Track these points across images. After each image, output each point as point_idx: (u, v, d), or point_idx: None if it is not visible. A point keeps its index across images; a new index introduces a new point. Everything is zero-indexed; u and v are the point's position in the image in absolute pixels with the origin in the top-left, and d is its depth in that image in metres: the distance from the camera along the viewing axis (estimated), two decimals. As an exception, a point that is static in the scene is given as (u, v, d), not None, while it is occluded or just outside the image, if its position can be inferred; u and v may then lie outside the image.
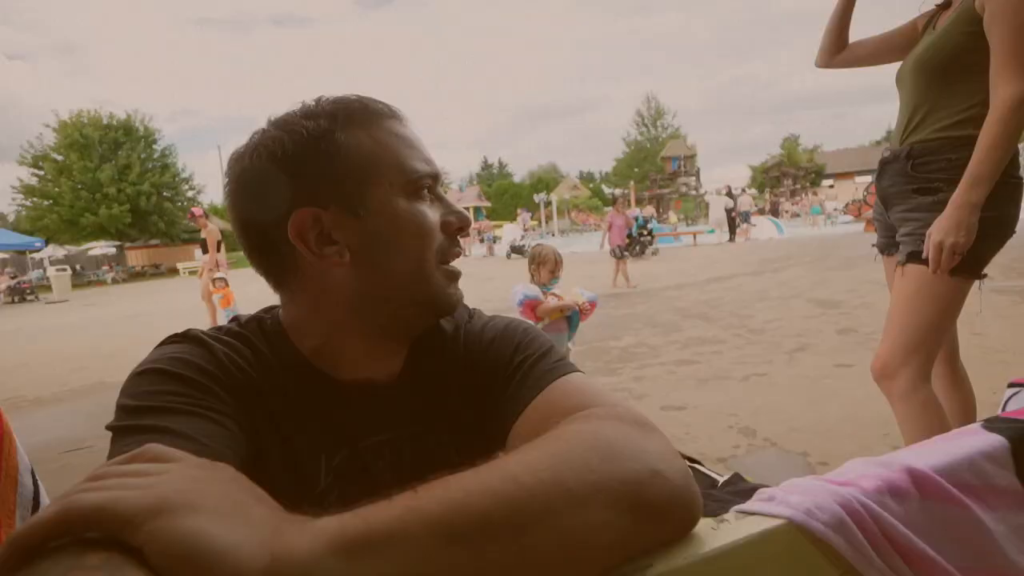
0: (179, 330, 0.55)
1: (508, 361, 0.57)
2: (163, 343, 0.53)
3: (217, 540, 0.27)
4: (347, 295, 0.54)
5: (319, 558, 0.29)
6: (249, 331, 0.56)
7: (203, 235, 6.28)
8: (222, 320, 5.77)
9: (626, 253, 7.86)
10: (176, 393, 0.46)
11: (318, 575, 0.28)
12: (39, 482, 0.87)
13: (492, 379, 0.57)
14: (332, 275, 0.53)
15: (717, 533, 0.39)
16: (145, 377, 0.48)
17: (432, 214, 0.56)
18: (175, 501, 0.28)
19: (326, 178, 0.52)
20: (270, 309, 0.60)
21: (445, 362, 0.59)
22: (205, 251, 6.31)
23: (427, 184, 0.56)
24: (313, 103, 0.54)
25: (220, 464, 0.35)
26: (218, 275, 6.15)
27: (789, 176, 32.96)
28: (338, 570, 0.29)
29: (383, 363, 0.58)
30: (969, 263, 1.26)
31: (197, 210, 6.39)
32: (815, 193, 28.21)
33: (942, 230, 1.22)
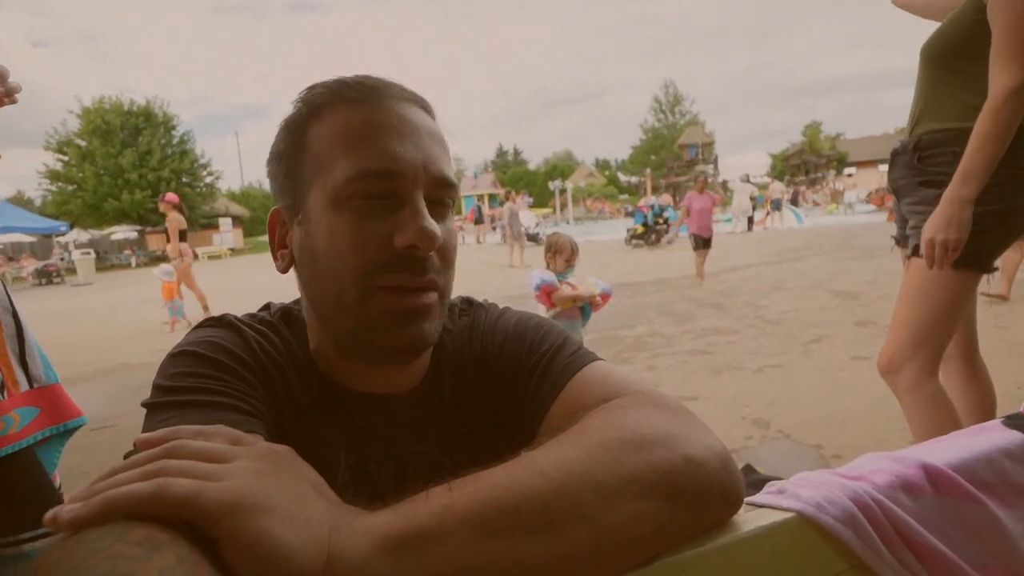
0: (196, 313, 0.55)
1: (524, 363, 0.54)
2: (198, 326, 0.54)
3: (285, 542, 0.30)
4: (310, 306, 0.53)
5: (368, 558, 0.31)
6: (279, 320, 0.56)
7: (166, 223, 6.19)
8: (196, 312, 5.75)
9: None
10: (208, 376, 0.47)
11: (367, 574, 0.31)
12: (21, 318, 0.94)
13: (510, 386, 0.54)
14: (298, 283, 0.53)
15: (726, 524, 0.39)
16: (180, 359, 0.49)
17: (370, 226, 0.46)
18: (249, 500, 0.31)
19: (289, 175, 0.51)
20: (299, 300, 0.59)
21: (463, 374, 0.57)
22: (181, 239, 6.25)
23: (360, 188, 0.46)
24: (304, 90, 0.52)
25: (281, 448, 0.37)
26: (166, 268, 6.07)
27: (811, 164, 32.23)
28: (385, 569, 0.31)
29: (394, 377, 0.54)
30: (976, 257, 1.24)
31: (171, 196, 6.27)
32: (823, 183, 27.42)
33: (933, 227, 1.19)
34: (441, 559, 0.32)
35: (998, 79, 1.13)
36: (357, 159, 0.46)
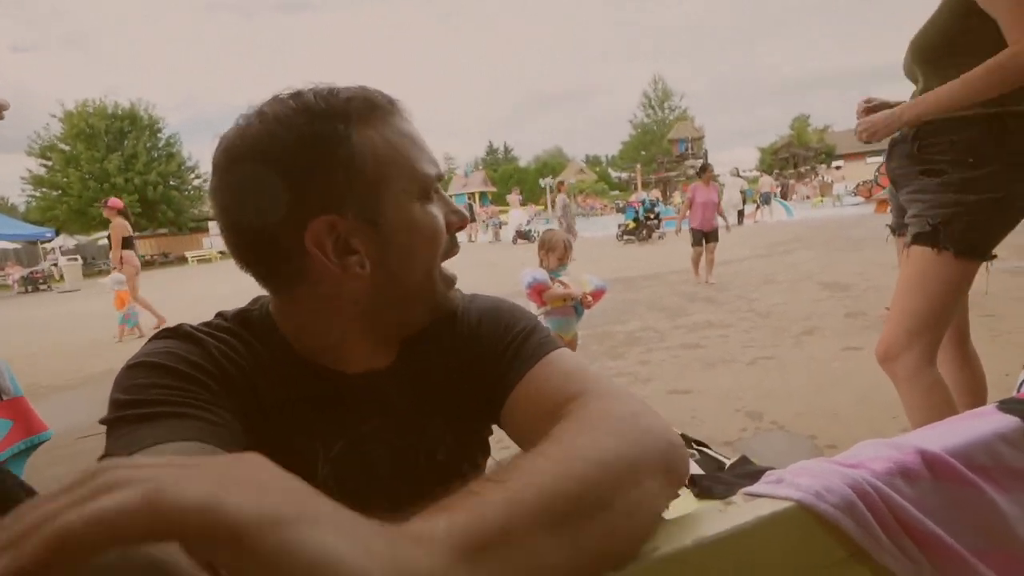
0: (190, 318, 0.54)
1: (499, 340, 0.58)
2: (153, 338, 0.52)
3: (348, 561, 0.23)
4: (358, 301, 0.53)
5: (447, 570, 0.26)
6: (238, 325, 0.55)
7: (109, 229, 5.80)
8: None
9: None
10: (169, 387, 0.45)
11: None
12: None
13: (483, 359, 0.58)
14: (346, 283, 0.52)
15: (725, 515, 0.39)
16: (137, 370, 0.47)
17: (440, 216, 0.55)
18: (289, 511, 0.23)
19: (342, 184, 0.49)
20: (255, 301, 0.59)
21: (438, 346, 0.60)
22: (126, 246, 5.90)
23: (435, 186, 0.55)
24: (316, 97, 0.50)
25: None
26: (117, 277, 5.75)
27: (799, 157, 32.54)
28: None
29: (381, 355, 0.58)
30: (978, 245, 1.25)
31: (115, 201, 5.90)
32: (812, 175, 27.72)
33: (870, 120, 1.36)
34: (516, 559, 0.29)
35: (1016, 44, 1.12)
36: (425, 163, 0.54)
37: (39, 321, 8.84)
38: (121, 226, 5.81)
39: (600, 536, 0.34)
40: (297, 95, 0.50)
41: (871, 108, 1.45)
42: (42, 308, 11.05)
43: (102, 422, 0.44)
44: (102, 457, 0.41)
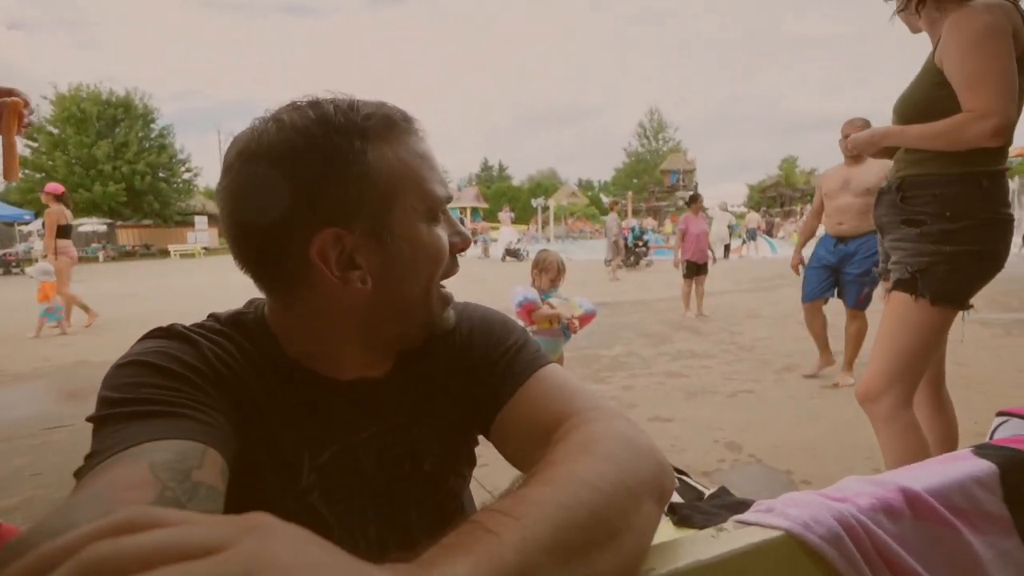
0: (179, 313, 0.54)
1: (491, 352, 0.60)
2: (145, 337, 0.51)
3: None
4: (356, 313, 0.53)
5: None
6: (231, 328, 0.55)
7: (44, 215, 5.43)
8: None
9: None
10: (160, 386, 0.45)
11: None
12: None
13: (475, 371, 0.59)
14: (345, 295, 0.52)
15: (717, 541, 0.40)
16: (128, 369, 0.46)
17: (445, 237, 0.56)
18: None
19: (353, 199, 0.49)
20: (250, 304, 0.59)
21: (431, 357, 0.61)
22: (62, 235, 5.51)
23: (443, 207, 0.56)
24: (335, 109, 0.50)
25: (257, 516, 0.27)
26: (44, 267, 5.42)
27: (786, 197, 33.43)
28: None
29: (375, 364, 0.59)
30: (954, 294, 1.31)
31: (53, 186, 5.57)
32: (797, 215, 28.53)
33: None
34: None
35: (972, 103, 1.22)
36: (435, 184, 0.54)
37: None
38: (57, 213, 5.39)
39: (609, 563, 0.34)
40: (316, 105, 0.50)
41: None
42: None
43: (89, 419, 0.44)
44: (89, 455, 0.41)
